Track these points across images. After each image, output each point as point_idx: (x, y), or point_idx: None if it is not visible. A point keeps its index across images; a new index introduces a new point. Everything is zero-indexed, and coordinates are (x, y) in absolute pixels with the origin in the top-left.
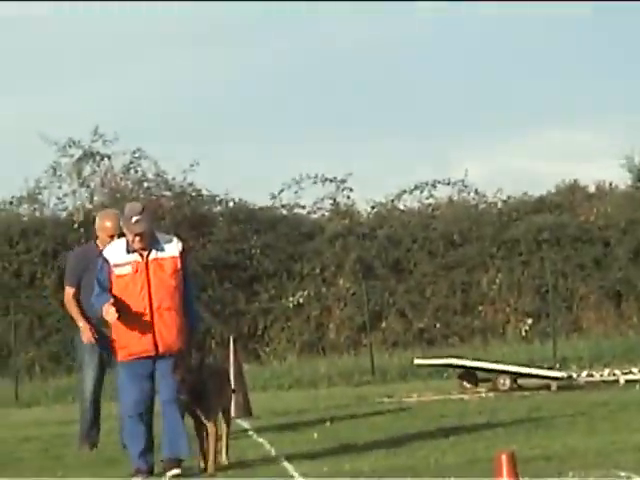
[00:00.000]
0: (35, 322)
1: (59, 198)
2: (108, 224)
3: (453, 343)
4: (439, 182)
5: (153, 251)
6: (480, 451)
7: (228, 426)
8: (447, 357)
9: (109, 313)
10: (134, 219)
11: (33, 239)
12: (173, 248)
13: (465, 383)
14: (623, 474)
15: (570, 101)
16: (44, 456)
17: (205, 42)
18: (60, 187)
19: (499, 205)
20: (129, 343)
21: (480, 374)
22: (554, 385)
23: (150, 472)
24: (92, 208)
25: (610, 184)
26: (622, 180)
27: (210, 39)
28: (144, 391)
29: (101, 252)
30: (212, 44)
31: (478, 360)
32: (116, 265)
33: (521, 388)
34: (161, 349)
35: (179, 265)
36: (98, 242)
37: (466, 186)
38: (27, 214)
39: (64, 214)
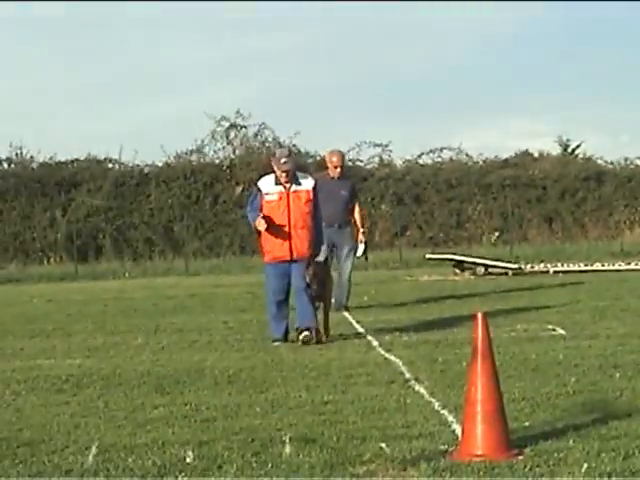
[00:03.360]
0: None
1: (215, 151)
2: (334, 159)
3: (450, 245)
4: (444, 148)
5: (293, 185)
6: (464, 312)
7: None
8: (447, 254)
9: (260, 224)
10: (283, 160)
11: (198, 175)
12: (308, 184)
13: (456, 270)
14: (550, 326)
15: (534, 100)
16: None
17: None
18: (215, 144)
19: (480, 163)
20: (273, 249)
21: (466, 265)
22: (510, 273)
23: (285, 338)
24: (233, 158)
25: (547, 152)
26: (554, 150)
27: None
28: (283, 284)
29: (256, 183)
30: None
31: (465, 255)
32: (267, 193)
33: (491, 274)
34: (295, 255)
35: (311, 196)
36: (328, 171)
37: (461, 150)
38: (195, 160)
39: (217, 161)
